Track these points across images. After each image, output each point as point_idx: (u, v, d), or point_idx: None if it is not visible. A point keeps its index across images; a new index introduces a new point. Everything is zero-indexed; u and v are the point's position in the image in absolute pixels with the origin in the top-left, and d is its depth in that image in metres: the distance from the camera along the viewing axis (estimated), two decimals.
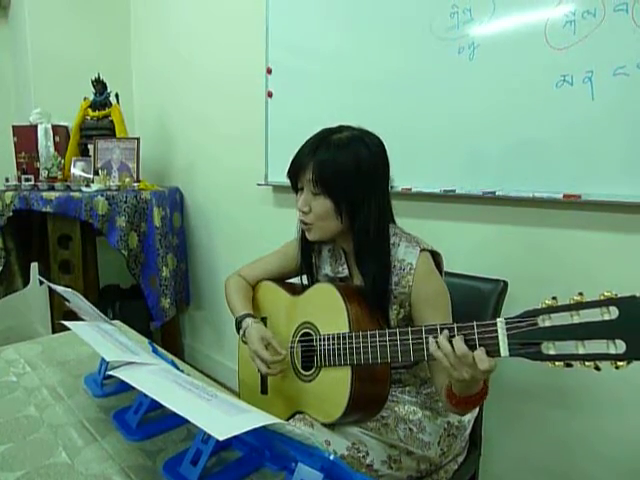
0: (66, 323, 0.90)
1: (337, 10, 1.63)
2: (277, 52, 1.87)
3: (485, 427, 1.17)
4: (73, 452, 0.72)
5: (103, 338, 0.84)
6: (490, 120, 1.28)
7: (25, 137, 2.25)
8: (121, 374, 0.66)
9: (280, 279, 1.19)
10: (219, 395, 0.61)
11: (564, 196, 1.16)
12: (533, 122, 1.20)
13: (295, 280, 1.18)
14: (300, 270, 1.14)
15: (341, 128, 0.96)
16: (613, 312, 0.58)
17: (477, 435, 1.15)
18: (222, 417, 0.53)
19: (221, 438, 0.46)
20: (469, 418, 1.06)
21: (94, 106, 2.34)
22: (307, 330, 1.01)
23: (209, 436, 0.62)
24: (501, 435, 1.40)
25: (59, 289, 1.00)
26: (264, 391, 1.12)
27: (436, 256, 0.98)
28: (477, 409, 1.10)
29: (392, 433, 0.96)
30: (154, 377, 0.68)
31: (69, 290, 0.97)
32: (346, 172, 0.91)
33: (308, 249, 1.10)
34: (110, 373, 0.68)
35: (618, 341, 0.58)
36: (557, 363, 0.63)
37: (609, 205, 1.12)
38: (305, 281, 1.14)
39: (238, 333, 1.07)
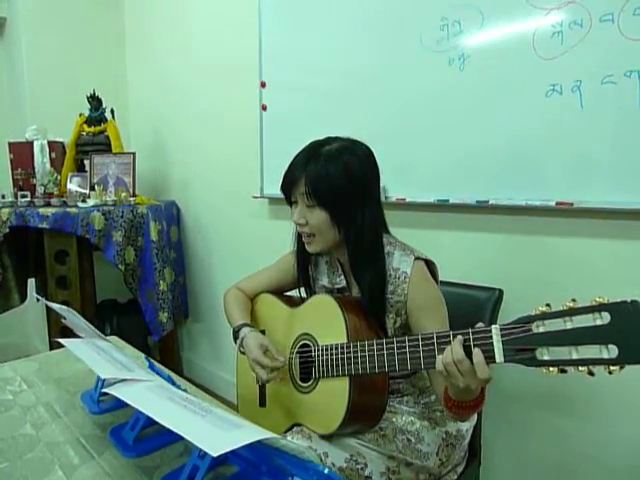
0: (61, 340, 0.90)
1: (329, 24, 1.65)
2: (271, 66, 1.89)
3: (484, 436, 1.17)
4: (70, 470, 0.71)
5: (98, 355, 0.83)
6: (482, 130, 1.29)
7: (21, 154, 2.26)
8: (116, 391, 0.66)
9: (278, 291, 1.19)
10: (214, 410, 0.61)
11: (557, 204, 1.17)
12: (524, 131, 1.21)
13: (294, 292, 1.18)
14: (298, 282, 1.14)
15: (329, 140, 0.98)
16: (605, 317, 0.59)
17: (476, 444, 1.14)
18: (216, 433, 0.52)
19: (215, 454, 0.46)
20: (467, 427, 1.05)
21: (89, 122, 2.36)
22: (305, 341, 1.01)
23: (206, 452, 0.62)
24: (501, 444, 1.39)
25: (54, 306, 0.99)
26: (262, 404, 1.12)
27: (430, 265, 0.99)
28: (475, 418, 1.10)
29: (390, 444, 0.95)
30: (149, 394, 0.68)
31: (64, 307, 0.97)
32: (338, 182, 0.92)
33: (304, 261, 1.11)
34: (105, 390, 0.68)
35: (611, 346, 0.58)
36: (551, 369, 0.63)
37: (601, 212, 1.13)
38: (303, 293, 1.14)
39: (235, 343, 1.07)
